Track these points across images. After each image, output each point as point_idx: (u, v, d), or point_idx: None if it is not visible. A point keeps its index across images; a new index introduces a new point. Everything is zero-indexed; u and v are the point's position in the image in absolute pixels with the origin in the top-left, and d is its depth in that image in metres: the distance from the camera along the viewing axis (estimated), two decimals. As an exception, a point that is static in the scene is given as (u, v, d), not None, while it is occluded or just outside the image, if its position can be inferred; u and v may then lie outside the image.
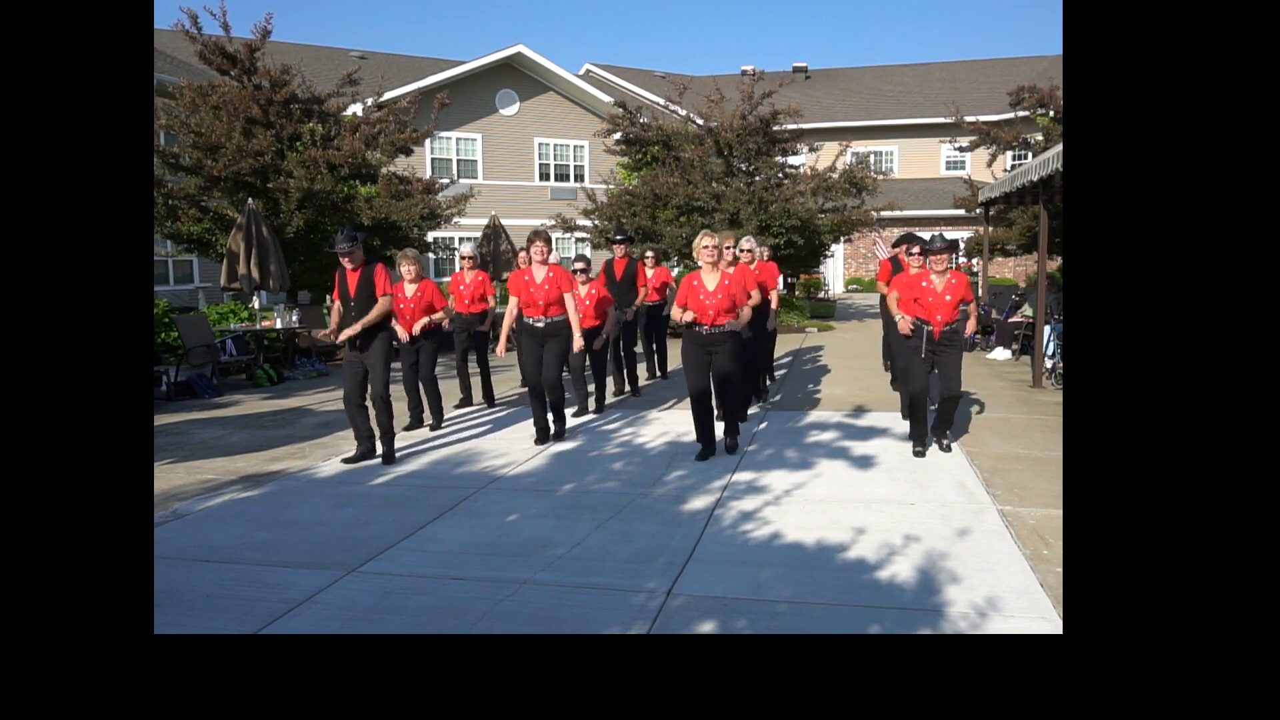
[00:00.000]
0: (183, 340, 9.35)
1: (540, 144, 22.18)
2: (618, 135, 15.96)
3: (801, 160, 17.69)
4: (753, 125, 14.69)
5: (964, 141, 16.32)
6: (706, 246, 5.35)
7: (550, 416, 6.12)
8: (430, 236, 13.33)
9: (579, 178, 22.21)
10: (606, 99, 20.46)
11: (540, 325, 5.93)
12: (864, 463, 5.30)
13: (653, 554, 3.69)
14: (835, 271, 26.06)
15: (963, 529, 3.97)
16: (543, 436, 6.03)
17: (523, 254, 6.22)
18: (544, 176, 22.34)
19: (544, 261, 5.93)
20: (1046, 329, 8.55)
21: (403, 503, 4.59)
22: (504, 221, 13.99)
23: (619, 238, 8.11)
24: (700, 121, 15.20)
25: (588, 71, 27.86)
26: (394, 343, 5.77)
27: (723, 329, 5.32)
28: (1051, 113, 14.86)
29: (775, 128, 14.89)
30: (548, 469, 5.31)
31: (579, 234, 15.51)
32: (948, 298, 5.37)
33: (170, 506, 4.58)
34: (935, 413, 5.63)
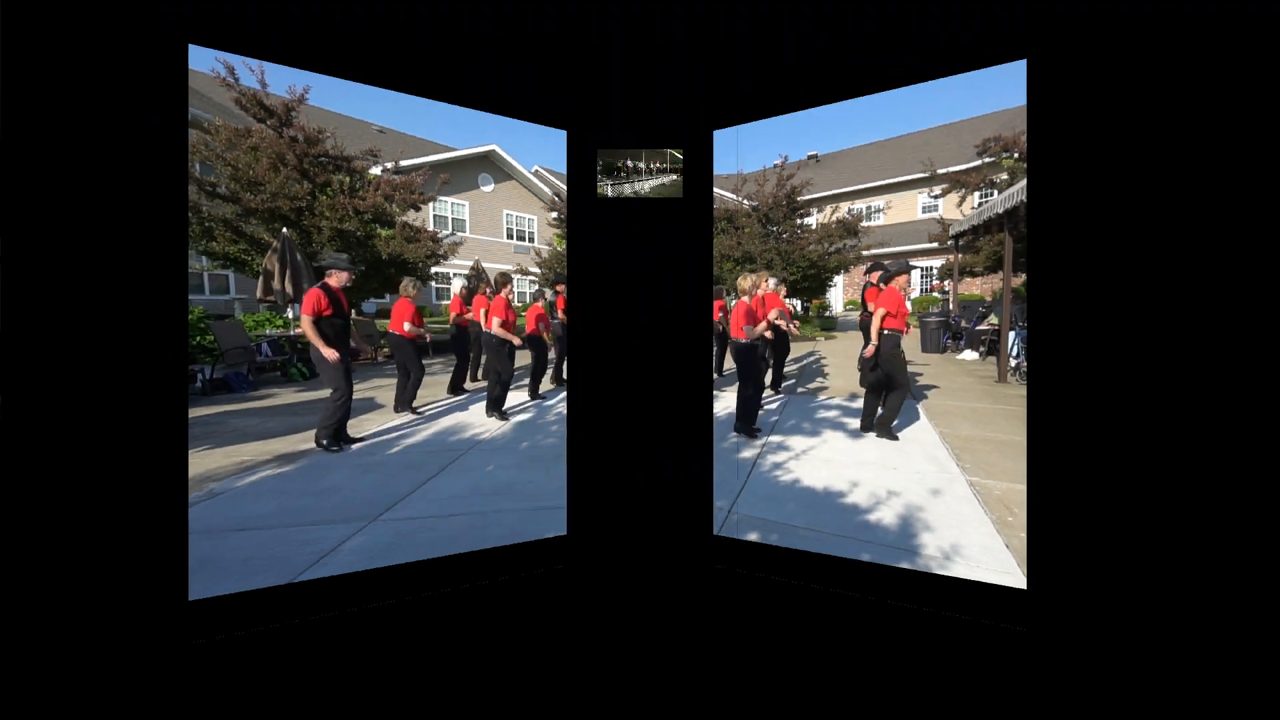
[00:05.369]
0: (219, 342, 9.36)
1: (507, 214, 28.22)
2: (554, 214, 20.36)
3: (813, 220, 20.55)
4: (780, 200, 17.70)
5: (937, 190, 17.41)
6: None
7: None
8: (433, 270, 15.67)
9: (531, 239, 28.99)
10: (548, 190, 26.51)
11: None
12: (856, 435, 5.77)
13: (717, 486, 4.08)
14: (837, 296, 29.45)
15: (936, 491, 4.07)
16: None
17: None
18: (510, 236, 28.36)
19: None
20: (1011, 334, 8.67)
21: (414, 465, 4.94)
22: (484, 264, 17.70)
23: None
24: (746, 203, 18.43)
25: (536, 171, 32.22)
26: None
27: None
28: (1015, 154, 15.37)
29: (799, 198, 17.88)
30: (515, 433, 5.41)
31: (530, 277, 20.30)
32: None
33: (206, 487, 4.51)
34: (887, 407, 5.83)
